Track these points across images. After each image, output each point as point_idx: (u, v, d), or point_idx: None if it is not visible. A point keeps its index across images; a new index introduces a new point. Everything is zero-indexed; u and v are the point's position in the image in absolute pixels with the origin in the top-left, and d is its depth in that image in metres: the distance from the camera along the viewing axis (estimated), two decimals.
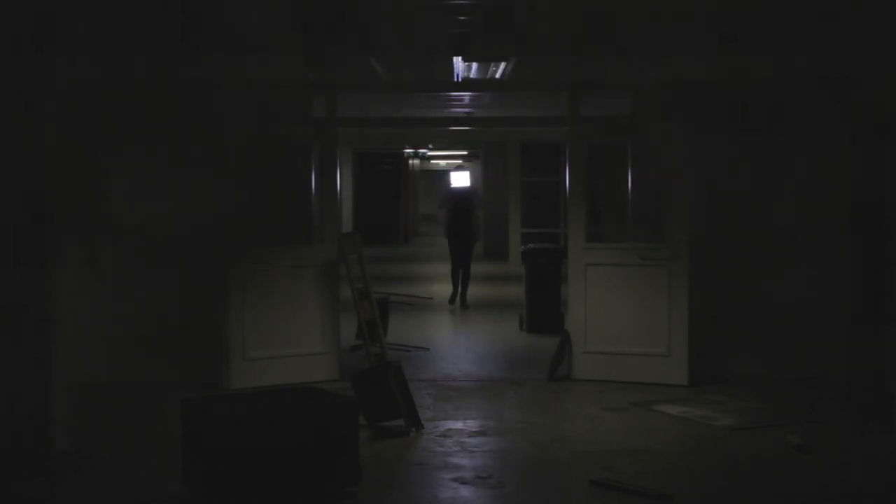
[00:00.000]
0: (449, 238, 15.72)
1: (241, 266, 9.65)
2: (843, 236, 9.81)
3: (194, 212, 9.73)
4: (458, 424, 8.35)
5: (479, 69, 11.19)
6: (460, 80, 11.57)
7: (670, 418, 8.58)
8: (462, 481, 6.84)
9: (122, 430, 8.19)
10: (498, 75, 11.44)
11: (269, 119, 10.11)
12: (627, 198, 10.84)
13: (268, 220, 10.25)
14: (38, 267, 7.33)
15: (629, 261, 9.88)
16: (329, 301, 10.02)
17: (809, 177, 9.90)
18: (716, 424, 8.31)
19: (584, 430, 8.21)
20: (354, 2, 8.20)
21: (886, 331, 9.19)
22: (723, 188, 10.01)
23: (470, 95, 14.19)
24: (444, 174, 37.95)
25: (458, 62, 10.51)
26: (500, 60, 10.63)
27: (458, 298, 15.76)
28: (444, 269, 19.28)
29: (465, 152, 32.52)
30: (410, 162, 34.65)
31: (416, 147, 29.03)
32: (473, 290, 16.20)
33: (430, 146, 28.87)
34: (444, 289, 17.47)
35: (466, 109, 16.07)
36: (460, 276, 15.74)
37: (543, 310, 13.12)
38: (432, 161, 38.71)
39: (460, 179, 17.14)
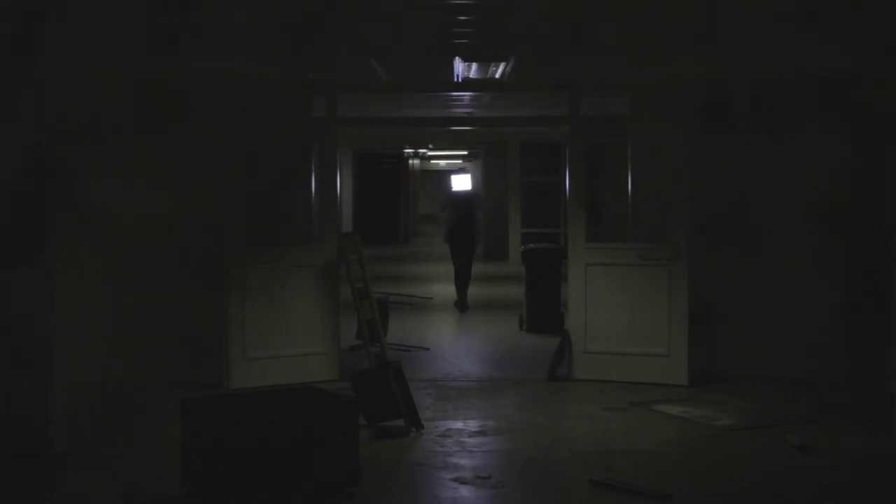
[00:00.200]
0: (450, 242, 15.54)
1: (241, 266, 9.65)
2: (842, 236, 9.82)
3: (195, 212, 9.74)
4: (458, 424, 8.35)
5: (479, 69, 11.18)
6: (460, 80, 11.56)
7: (670, 418, 8.58)
8: (462, 481, 6.84)
9: (122, 430, 8.20)
10: (498, 75, 11.43)
11: (268, 119, 10.10)
12: (627, 198, 10.83)
13: (268, 220, 10.25)
14: (36, 267, 7.33)
15: (629, 261, 9.88)
16: (329, 301, 10.02)
17: (808, 177, 9.90)
18: (716, 424, 8.31)
19: (584, 430, 8.21)
20: (354, 2, 8.19)
21: (886, 331, 9.19)
22: (720, 188, 10.01)
23: (470, 95, 14.18)
24: (444, 174, 37.98)
25: (458, 62, 10.50)
26: (500, 60, 10.62)
27: (464, 303, 15.47)
28: (444, 269, 19.28)
29: (465, 152, 32.50)
30: (410, 162, 34.64)
31: (416, 147, 29.02)
32: (473, 290, 16.17)
33: (430, 146, 28.85)
34: (444, 289, 17.48)
35: (466, 109, 16.06)
36: (462, 280, 15.50)
37: (543, 310, 13.12)
38: (432, 161, 38.69)
39: (462, 182, 17.09)
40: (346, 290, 10.37)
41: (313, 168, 10.48)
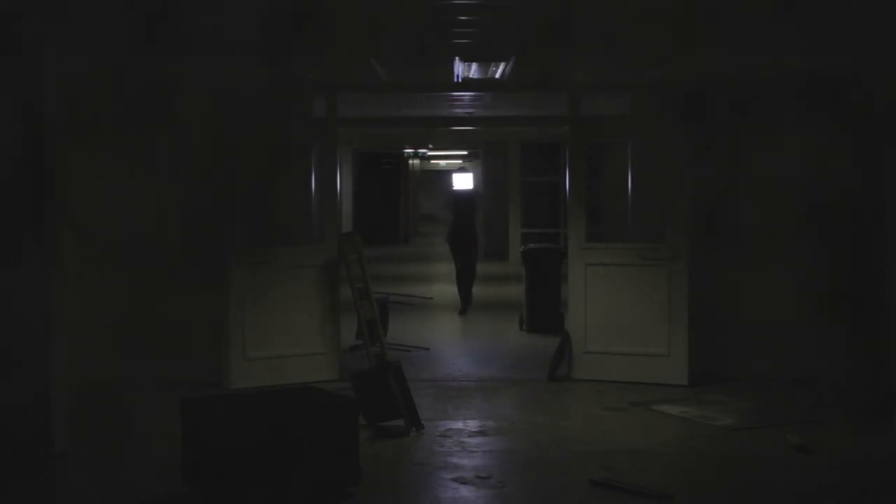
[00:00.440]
0: (451, 242, 15.27)
1: (240, 266, 9.65)
2: (839, 236, 9.83)
3: (194, 212, 9.75)
4: (458, 424, 8.35)
5: (479, 69, 11.18)
6: (460, 80, 11.56)
7: (670, 418, 8.58)
8: (462, 481, 6.84)
9: (122, 430, 8.20)
10: (498, 75, 11.43)
11: (269, 119, 10.09)
12: (627, 198, 10.83)
13: (268, 220, 10.24)
14: (36, 266, 7.32)
15: (629, 261, 9.88)
16: (329, 301, 10.02)
17: (803, 177, 9.92)
18: (716, 424, 8.31)
19: (584, 430, 8.21)
20: (355, 1, 8.19)
21: (887, 331, 9.19)
22: (717, 187, 10.03)
23: (470, 95, 14.17)
24: (444, 174, 37.95)
25: (458, 62, 10.50)
26: (500, 60, 10.62)
27: (466, 304, 15.20)
28: (444, 269, 19.27)
29: (465, 152, 32.49)
30: (410, 162, 34.63)
31: (416, 147, 29.01)
32: (474, 290, 16.15)
33: (431, 146, 28.84)
34: (444, 289, 17.47)
35: (466, 109, 16.05)
36: (465, 280, 15.21)
37: (543, 310, 13.12)
38: (432, 161, 38.68)
39: (463, 181, 16.97)
40: (346, 290, 10.36)
41: (313, 168, 10.48)
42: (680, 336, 9.70)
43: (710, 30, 8.71)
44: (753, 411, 8.75)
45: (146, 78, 9.59)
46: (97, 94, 9.48)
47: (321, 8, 8.28)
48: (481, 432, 8.12)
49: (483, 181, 25.72)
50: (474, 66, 10.99)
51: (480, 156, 27.44)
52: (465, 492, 6.65)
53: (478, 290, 15.87)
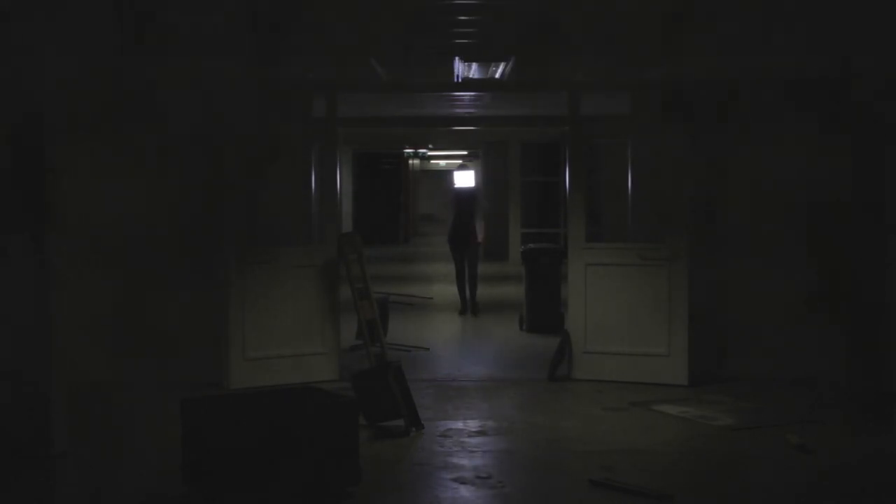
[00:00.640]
0: (451, 242, 15.05)
1: (240, 266, 9.65)
2: (840, 236, 9.83)
3: (194, 212, 9.75)
4: (458, 424, 8.35)
5: (479, 69, 11.18)
6: (460, 80, 11.56)
7: (670, 418, 8.58)
8: (462, 481, 6.84)
9: (122, 430, 8.20)
10: (498, 75, 11.43)
11: (268, 119, 10.10)
12: (627, 198, 10.83)
13: (268, 220, 10.25)
14: (35, 266, 7.32)
15: (629, 261, 9.88)
16: (329, 301, 10.02)
17: (800, 177, 9.92)
18: (716, 424, 8.31)
19: (583, 430, 8.21)
20: (355, 2, 8.20)
21: (887, 331, 9.19)
22: (714, 187, 10.04)
23: (470, 95, 14.17)
24: (445, 174, 37.92)
25: (458, 62, 10.50)
26: (500, 61, 10.62)
27: (468, 307, 14.93)
28: (444, 269, 19.27)
29: (465, 152, 32.50)
30: (410, 162, 34.63)
31: (416, 147, 29.01)
32: None
33: (431, 146, 28.84)
34: (444, 289, 17.47)
35: (467, 109, 16.05)
36: (466, 282, 14.95)
37: (543, 310, 13.12)
38: (432, 161, 38.67)
39: (464, 179, 16.76)
40: (346, 290, 10.36)
41: (313, 168, 10.48)
42: (680, 336, 9.70)
43: (709, 30, 8.72)
44: (753, 411, 8.75)
45: (145, 78, 9.58)
46: (97, 94, 9.47)
47: (321, 8, 8.28)
48: (481, 432, 8.12)
49: (483, 181, 25.72)
50: (474, 66, 10.99)
51: (480, 156, 27.45)
52: (465, 492, 6.65)
53: (478, 290, 15.83)
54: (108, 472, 7.13)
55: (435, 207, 40.13)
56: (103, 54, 9.01)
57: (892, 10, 8.12)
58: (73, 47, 8.09)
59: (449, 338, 13.22)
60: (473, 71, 11.31)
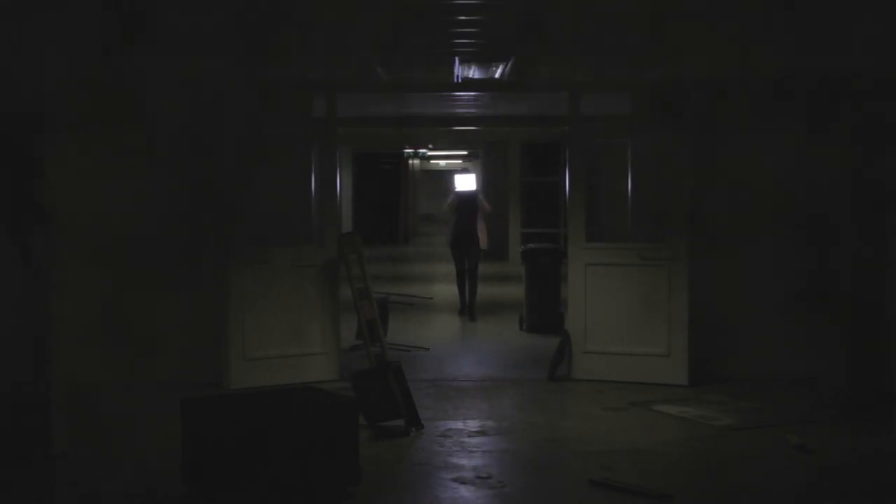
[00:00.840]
0: (452, 244, 14.92)
1: (240, 266, 9.65)
2: (840, 236, 9.83)
3: (194, 211, 9.75)
4: (458, 424, 8.35)
5: (479, 69, 11.18)
6: (460, 80, 11.56)
7: (670, 418, 8.58)
8: (462, 481, 6.84)
9: (122, 430, 8.19)
10: (498, 75, 11.43)
11: (268, 119, 10.09)
12: (627, 198, 10.83)
13: (267, 220, 10.24)
14: (34, 266, 7.31)
15: (629, 261, 9.88)
16: (329, 301, 10.02)
17: (807, 177, 9.92)
18: (716, 424, 8.31)
19: (583, 430, 8.21)
20: (355, 2, 8.19)
21: (886, 331, 9.19)
22: (716, 187, 10.04)
23: (470, 95, 14.17)
24: (445, 174, 37.94)
25: (458, 62, 10.50)
26: (500, 61, 10.62)
27: (466, 308, 14.84)
28: (444, 269, 19.28)
29: (465, 152, 32.50)
30: (410, 162, 34.63)
31: (416, 147, 29.01)
32: None
33: (431, 146, 28.84)
34: (444, 289, 17.47)
35: (467, 109, 16.05)
36: (466, 284, 14.83)
37: (543, 310, 13.12)
38: (432, 161, 38.68)
39: (466, 182, 16.60)
40: (346, 290, 10.37)
41: (313, 168, 10.48)
42: (680, 336, 9.70)
43: (709, 29, 8.72)
44: (753, 411, 8.75)
45: (145, 77, 9.58)
46: (97, 94, 9.47)
47: (321, 8, 8.28)
48: (481, 432, 8.12)
49: (483, 181, 25.73)
50: (474, 66, 11.00)
51: (480, 156, 27.46)
52: (465, 492, 6.65)
53: (478, 290, 15.82)
54: (107, 472, 7.13)
55: (435, 207, 40.11)
56: (103, 54, 9.00)
57: (892, 10, 8.11)
58: (68, 46, 8.08)
59: (449, 338, 13.22)
60: (473, 71, 11.31)
